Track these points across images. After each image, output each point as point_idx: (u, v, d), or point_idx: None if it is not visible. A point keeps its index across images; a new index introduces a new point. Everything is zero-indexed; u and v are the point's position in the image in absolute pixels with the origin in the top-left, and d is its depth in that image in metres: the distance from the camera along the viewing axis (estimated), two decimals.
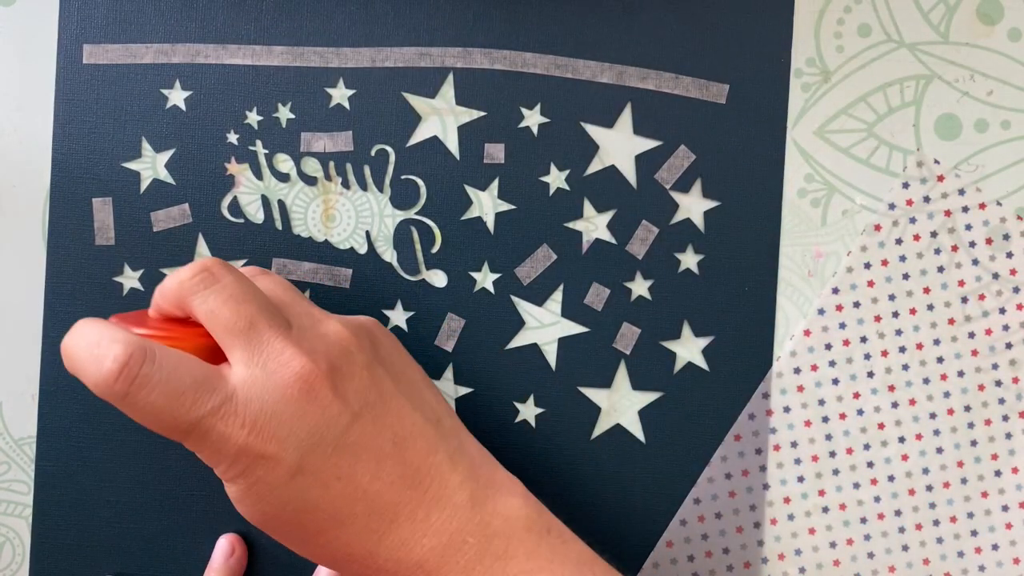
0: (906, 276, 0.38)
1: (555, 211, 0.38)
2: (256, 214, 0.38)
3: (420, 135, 0.38)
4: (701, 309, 0.39)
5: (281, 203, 0.38)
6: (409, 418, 0.32)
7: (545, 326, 0.39)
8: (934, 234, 0.38)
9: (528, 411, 0.39)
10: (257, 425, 0.29)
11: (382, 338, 0.34)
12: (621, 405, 0.39)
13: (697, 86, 0.38)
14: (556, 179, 0.38)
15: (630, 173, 0.38)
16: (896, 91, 0.38)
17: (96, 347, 0.29)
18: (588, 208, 0.38)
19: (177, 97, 0.38)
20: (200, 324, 0.31)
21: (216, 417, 0.29)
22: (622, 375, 0.39)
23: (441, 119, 0.38)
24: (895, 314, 0.38)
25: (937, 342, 0.38)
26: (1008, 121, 0.38)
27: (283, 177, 0.38)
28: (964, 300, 0.38)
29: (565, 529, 0.33)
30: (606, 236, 0.38)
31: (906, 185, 0.38)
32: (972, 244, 0.38)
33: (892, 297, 0.38)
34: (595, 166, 0.38)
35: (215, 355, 0.31)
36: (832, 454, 0.38)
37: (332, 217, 0.38)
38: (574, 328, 0.39)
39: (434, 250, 0.39)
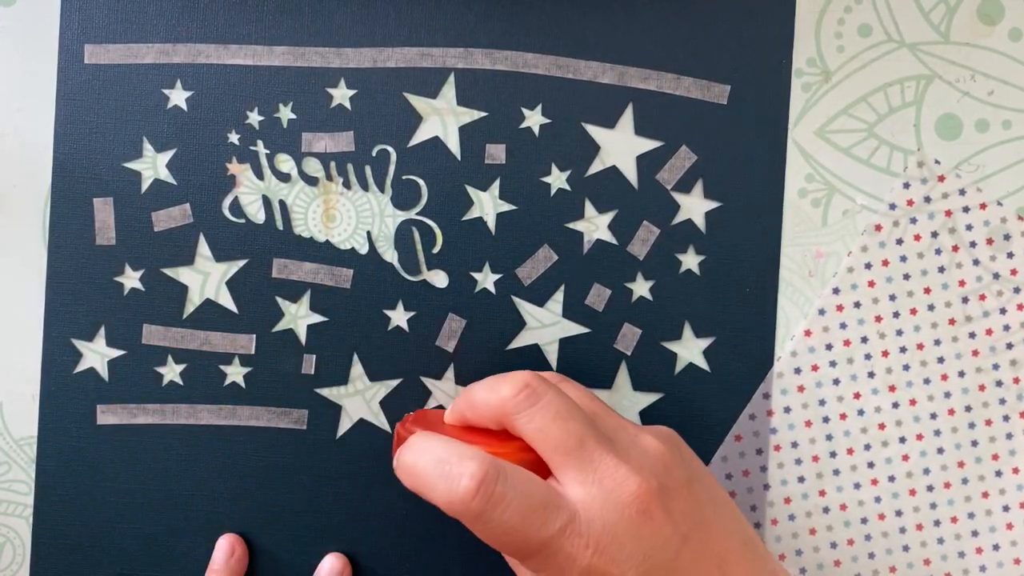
0: (907, 276, 0.38)
1: (556, 211, 0.38)
2: (257, 214, 0.38)
3: (421, 135, 0.38)
4: (702, 310, 0.39)
5: (282, 203, 0.38)
6: (730, 541, 0.31)
7: (546, 326, 0.39)
8: (935, 234, 0.38)
9: None
10: (600, 545, 0.28)
11: (687, 450, 0.33)
12: (622, 406, 0.39)
13: (698, 87, 0.38)
14: (557, 179, 0.38)
15: (631, 174, 0.38)
16: (897, 91, 0.38)
17: (446, 464, 0.29)
18: (589, 209, 0.38)
19: (178, 97, 0.38)
20: (514, 436, 0.31)
21: (564, 537, 0.28)
22: (623, 376, 0.39)
23: (442, 119, 0.38)
24: (896, 314, 0.38)
25: (938, 342, 0.38)
26: (1009, 121, 0.38)
27: (284, 177, 0.38)
28: (965, 300, 0.38)
29: None
30: (607, 237, 0.39)
31: (907, 185, 0.39)
32: (973, 244, 0.38)
33: (893, 297, 0.38)
34: (596, 167, 0.38)
35: (537, 470, 0.30)
36: (833, 454, 0.38)
37: (333, 217, 0.38)
38: (575, 329, 0.39)
39: (435, 250, 0.39)
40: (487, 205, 0.38)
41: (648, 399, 0.39)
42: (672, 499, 0.30)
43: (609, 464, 0.29)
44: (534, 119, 0.38)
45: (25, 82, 0.38)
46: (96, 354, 0.38)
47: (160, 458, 0.38)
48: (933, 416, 0.38)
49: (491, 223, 0.38)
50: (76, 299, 0.38)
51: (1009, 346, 0.38)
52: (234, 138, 0.38)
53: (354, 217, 0.38)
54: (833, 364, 0.38)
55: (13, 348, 0.38)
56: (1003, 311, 0.38)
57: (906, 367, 0.38)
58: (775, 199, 0.38)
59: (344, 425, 0.39)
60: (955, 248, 0.38)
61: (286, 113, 0.38)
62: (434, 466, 0.29)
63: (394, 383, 0.39)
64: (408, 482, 0.30)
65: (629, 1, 0.38)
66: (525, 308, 0.39)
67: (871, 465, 0.38)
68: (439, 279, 0.39)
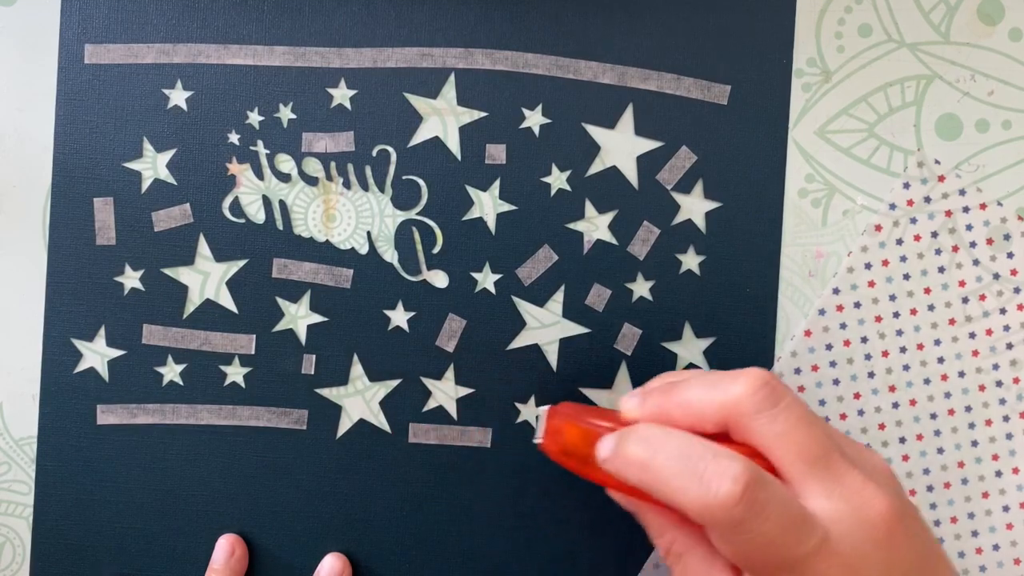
0: (907, 276, 0.38)
1: (556, 212, 0.38)
2: (257, 214, 0.38)
3: (421, 135, 0.38)
4: (702, 310, 0.39)
5: (282, 203, 0.38)
6: (952, 570, 0.29)
7: (546, 326, 0.39)
8: (935, 234, 0.38)
9: (529, 412, 0.38)
10: (851, 567, 0.26)
11: None
12: None
13: (699, 87, 0.38)
14: (557, 180, 0.38)
15: (631, 174, 0.38)
16: (897, 91, 0.38)
17: (699, 461, 0.26)
18: (589, 209, 0.38)
19: (179, 97, 0.38)
20: (730, 441, 0.28)
21: (818, 556, 0.26)
22: (623, 376, 0.39)
23: (442, 119, 0.38)
24: (896, 314, 0.38)
25: (938, 342, 0.38)
26: (1009, 121, 0.38)
27: (284, 177, 0.38)
28: (965, 300, 0.38)
29: None
30: (607, 237, 0.39)
31: (907, 185, 0.38)
32: (973, 244, 0.38)
33: (893, 297, 0.38)
34: (596, 167, 0.38)
35: None
36: None
37: (333, 217, 0.38)
38: (575, 329, 0.39)
39: (435, 250, 0.38)
40: (487, 205, 0.38)
41: None
42: (909, 522, 0.28)
43: (856, 479, 0.27)
44: (534, 119, 0.38)
45: (25, 82, 0.38)
46: (96, 354, 0.38)
47: (160, 458, 0.38)
48: (933, 416, 0.38)
49: (491, 223, 0.38)
50: (76, 299, 0.38)
51: (1009, 346, 0.38)
52: (234, 138, 0.38)
53: (354, 217, 0.38)
54: (833, 364, 0.38)
55: (13, 348, 0.38)
56: (1003, 311, 0.38)
57: (906, 367, 0.38)
58: (775, 199, 0.38)
59: (344, 425, 0.39)
60: (955, 248, 0.38)
61: (286, 113, 0.38)
62: (681, 463, 0.26)
63: (394, 383, 0.39)
64: (638, 477, 0.27)
65: (629, 1, 0.38)
66: (525, 308, 0.39)
67: None
68: (439, 279, 0.39)
